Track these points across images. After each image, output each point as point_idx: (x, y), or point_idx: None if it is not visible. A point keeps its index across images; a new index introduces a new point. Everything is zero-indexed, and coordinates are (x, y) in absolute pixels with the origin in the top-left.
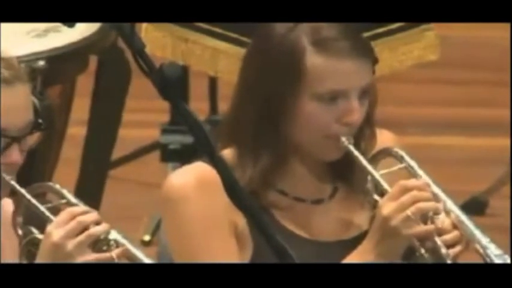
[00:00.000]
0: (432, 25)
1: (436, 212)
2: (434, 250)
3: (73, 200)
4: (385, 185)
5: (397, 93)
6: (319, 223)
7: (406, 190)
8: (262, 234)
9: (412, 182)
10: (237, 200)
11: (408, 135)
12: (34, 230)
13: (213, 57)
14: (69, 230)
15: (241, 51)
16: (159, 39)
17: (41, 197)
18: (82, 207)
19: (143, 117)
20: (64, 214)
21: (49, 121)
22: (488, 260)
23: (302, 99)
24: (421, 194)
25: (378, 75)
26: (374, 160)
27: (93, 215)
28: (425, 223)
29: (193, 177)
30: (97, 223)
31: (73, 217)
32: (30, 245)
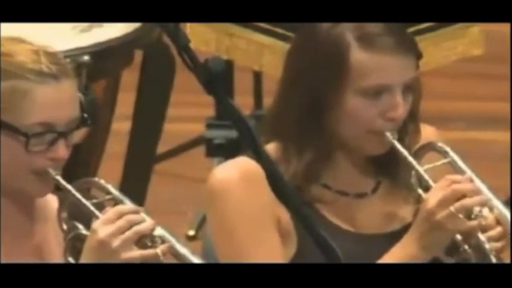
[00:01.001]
0: None
1: (482, 204)
2: (478, 245)
3: (119, 195)
4: (429, 180)
5: (441, 88)
6: (362, 216)
7: (451, 184)
8: (306, 228)
9: (458, 177)
10: (280, 194)
11: (452, 130)
12: (79, 226)
13: (257, 51)
14: (117, 228)
15: (286, 46)
16: (203, 34)
17: (85, 192)
18: (129, 206)
19: (188, 111)
20: (111, 212)
21: (94, 116)
22: None
23: (346, 94)
24: (466, 189)
25: (423, 70)
26: (418, 155)
27: (141, 215)
28: (469, 218)
29: (237, 172)
30: (142, 220)
31: (121, 215)
32: (75, 241)
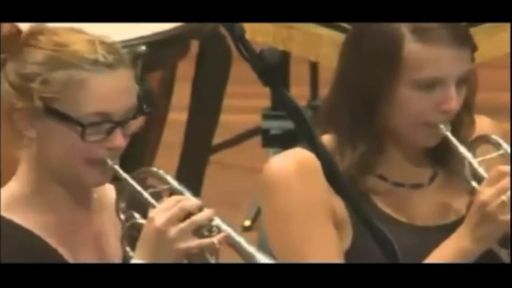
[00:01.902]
0: None
1: None
2: None
3: (176, 185)
4: (483, 172)
5: (497, 79)
6: (418, 208)
7: (504, 175)
8: (362, 219)
9: (507, 168)
10: (336, 186)
11: (508, 121)
12: (136, 215)
13: (314, 43)
14: (172, 215)
15: (342, 37)
16: (260, 25)
17: (141, 182)
18: (186, 195)
19: (244, 102)
20: (168, 201)
21: (149, 106)
22: None
23: (400, 87)
24: None
25: (478, 62)
26: (472, 147)
27: (196, 202)
28: None
29: (293, 163)
30: (200, 209)
31: (176, 203)
32: (132, 230)
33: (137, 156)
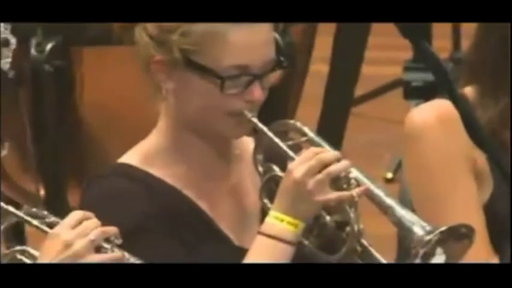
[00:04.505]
0: None
1: None
2: None
3: (315, 137)
4: None
5: None
6: None
7: None
8: (502, 172)
9: None
10: (475, 138)
11: None
12: (275, 167)
13: None
14: (310, 167)
15: None
16: None
17: (282, 134)
18: (324, 146)
19: (386, 54)
20: (306, 152)
21: (291, 59)
22: None
23: None
24: None
25: None
26: None
27: (334, 153)
28: None
29: (434, 114)
30: (338, 161)
31: (315, 155)
32: (271, 182)
33: (279, 108)
